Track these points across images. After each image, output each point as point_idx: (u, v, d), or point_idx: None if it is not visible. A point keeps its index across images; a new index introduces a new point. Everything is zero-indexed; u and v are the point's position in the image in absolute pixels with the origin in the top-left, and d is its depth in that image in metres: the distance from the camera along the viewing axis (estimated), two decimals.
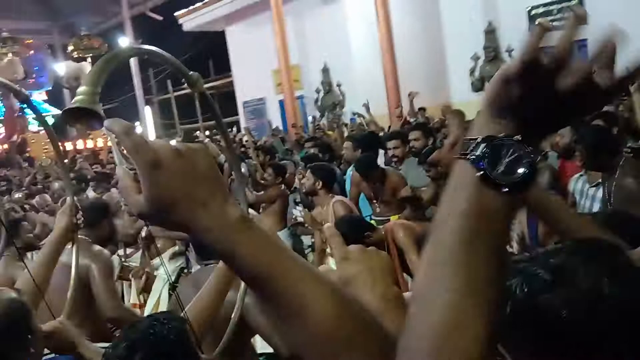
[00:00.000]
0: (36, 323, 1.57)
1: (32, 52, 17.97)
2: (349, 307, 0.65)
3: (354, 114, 8.46)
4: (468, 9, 9.99)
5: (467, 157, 0.60)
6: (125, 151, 0.63)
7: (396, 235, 3.00)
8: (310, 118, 10.38)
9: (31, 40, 17.87)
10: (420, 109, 8.86)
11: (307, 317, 0.63)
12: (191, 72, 1.14)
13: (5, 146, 16.41)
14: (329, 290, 0.64)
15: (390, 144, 5.08)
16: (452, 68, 10.63)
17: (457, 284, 0.57)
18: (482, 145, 0.59)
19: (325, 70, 11.40)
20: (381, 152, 5.43)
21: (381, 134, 7.63)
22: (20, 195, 6.93)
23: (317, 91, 11.46)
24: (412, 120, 8.06)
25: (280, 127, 11.17)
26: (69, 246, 2.57)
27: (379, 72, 10.29)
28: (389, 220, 4.40)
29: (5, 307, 1.49)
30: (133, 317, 2.84)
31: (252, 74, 13.74)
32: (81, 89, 0.83)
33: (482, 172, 0.59)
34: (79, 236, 3.16)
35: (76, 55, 17.42)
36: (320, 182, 4.19)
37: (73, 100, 0.82)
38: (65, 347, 1.74)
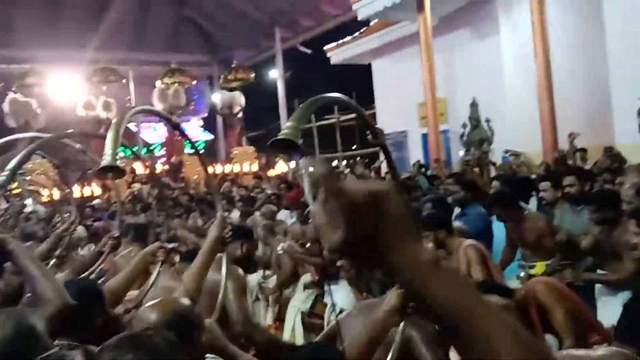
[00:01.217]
0: (202, 333, 1.73)
1: (195, 82, 19.64)
2: (533, 352, 0.65)
3: (505, 152, 7.91)
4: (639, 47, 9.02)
5: None
6: (322, 191, 0.68)
7: (539, 294, 2.81)
8: (461, 153, 10.00)
9: (195, 73, 19.55)
10: (579, 150, 8.08)
11: None
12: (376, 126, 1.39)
13: (166, 167, 17.91)
14: (517, 337, 0.64)
15: (541, 185, 4.72)
16: (618, 107, 9.60)
17: None
18: None
19: (474, 105, 10.92)
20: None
21: (534, 176, 7.05)
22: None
23: (464, 126, 10.99)
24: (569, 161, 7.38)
25: (422, 162, 10.85)
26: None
27: (534, 109, 9.61)
28: (534, 266, 4.02)
29: (176, 313, 1.66)
30: (261, 333, 2.99)
31: (395, 107, 13.65)
32: (288, 123, 0.97)
33: None
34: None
35: (228, 86, 18.68)
36: (442, 232, 3.85)
37: (280, 133, 0.94)
38: (213, 346, 1.86)
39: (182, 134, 2.35)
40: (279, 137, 0.89)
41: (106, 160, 1.62)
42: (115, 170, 1.64)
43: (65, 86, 17.87)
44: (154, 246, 2.68)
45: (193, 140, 2.61)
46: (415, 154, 12.63)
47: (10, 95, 16.79)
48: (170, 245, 2.59)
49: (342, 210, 0.64)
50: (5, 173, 2.35)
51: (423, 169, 8.97)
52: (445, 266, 0.66)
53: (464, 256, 3.70)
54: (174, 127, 2.24)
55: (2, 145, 2.90)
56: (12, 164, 2.41)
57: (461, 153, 9.97)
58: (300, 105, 0.98)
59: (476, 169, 8.86)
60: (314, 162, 0.69)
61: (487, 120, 10.71)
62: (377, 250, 0.64)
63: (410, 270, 0.64)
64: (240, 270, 3.34)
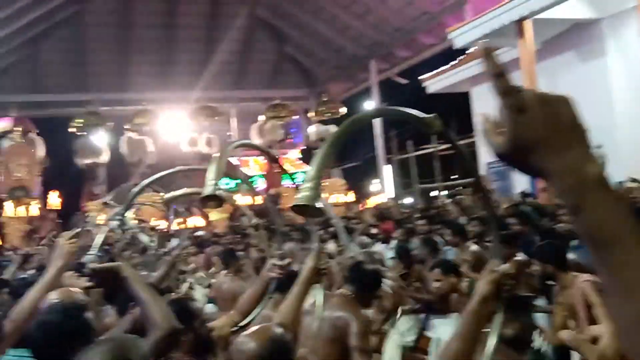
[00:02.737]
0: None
1: (295, 116, 20.30)
2: None
3: (632, 180, 7.37)
4: None
5: None
6: (495, 90, 0.68)
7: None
8: None
9: (293, 107, 20.19)
10: None
11: (637, 300, 0.60)
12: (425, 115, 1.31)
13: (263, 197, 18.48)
14: None
15: None
16: None
17: None
18: None
19: None
20: None
21: None
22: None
23: None
24: None
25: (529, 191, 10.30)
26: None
27: None
28: None
29: (274, 341, 1.75)
30: None
31: None
32: (304, 184, 0.94)
33: None
34: (345, 292, 3.29)
35: (320, 119, 19.13)
36: (551, 266, 3.63)
37: (298, 196, 0.92)
38: None
39: (280, 166, 2.43)
40: (296, 204, 0.89)
41: (207, 190, 1.74)
42: (215, 200, 1.76)
43: (173, 124, 19.14)
44: (269, 265, 2.82)
45: (290, 172, 2.70)
46: (520, 183, 12.03)
47: (126, 134, 18.26)
48: (282, 262, 2.71)
49: (510, 111, 0.65)
50: (120, 208, 2.56)
51: (527, 198, 8.51)
52: (611, 188, 0.64)
53: (579, 292, 3.41)
54: (272, 160, 2.35)
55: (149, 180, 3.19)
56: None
57: None
58: (314, 161, 0.96)
59: None
60: (491, 54, 0.69)
61: (599, 147, 10.02)
62: (540, 155, 0.65)
63: (570, 181, 0.63)
64: (366, 314, 3.31)
